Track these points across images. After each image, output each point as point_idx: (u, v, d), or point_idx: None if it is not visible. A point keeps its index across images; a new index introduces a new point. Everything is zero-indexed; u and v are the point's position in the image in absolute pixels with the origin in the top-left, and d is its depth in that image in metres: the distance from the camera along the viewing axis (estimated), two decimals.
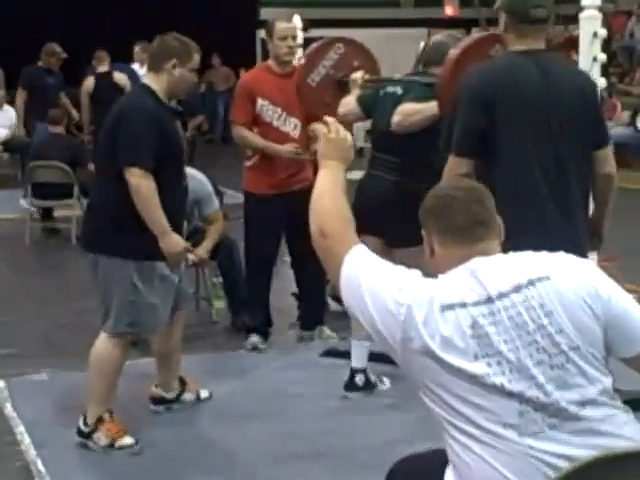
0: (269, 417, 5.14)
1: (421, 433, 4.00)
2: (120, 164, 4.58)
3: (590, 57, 5.53)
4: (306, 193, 5.65)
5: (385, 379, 5.49)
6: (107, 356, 4.74)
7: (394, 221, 4.96)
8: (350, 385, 5.38)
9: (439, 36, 5.23)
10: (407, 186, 4.98)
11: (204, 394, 5.36)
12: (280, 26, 6.13)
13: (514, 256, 2.66)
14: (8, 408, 5.28)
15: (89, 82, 12.03)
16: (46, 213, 10.58)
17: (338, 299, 5.94)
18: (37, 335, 6.68)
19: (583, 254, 3.73)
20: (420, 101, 4.86)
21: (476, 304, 2.51)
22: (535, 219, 3.86)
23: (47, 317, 7.10)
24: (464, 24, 20.28)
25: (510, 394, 2.46)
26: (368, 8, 20.05)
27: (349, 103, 5.35)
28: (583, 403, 2.47)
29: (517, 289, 2.53)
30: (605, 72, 5.69)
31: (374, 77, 5.60)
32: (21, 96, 12.24)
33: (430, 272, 2.66)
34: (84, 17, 18.88)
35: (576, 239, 3.90)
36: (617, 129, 14.10)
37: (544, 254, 2.67)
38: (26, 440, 4.85)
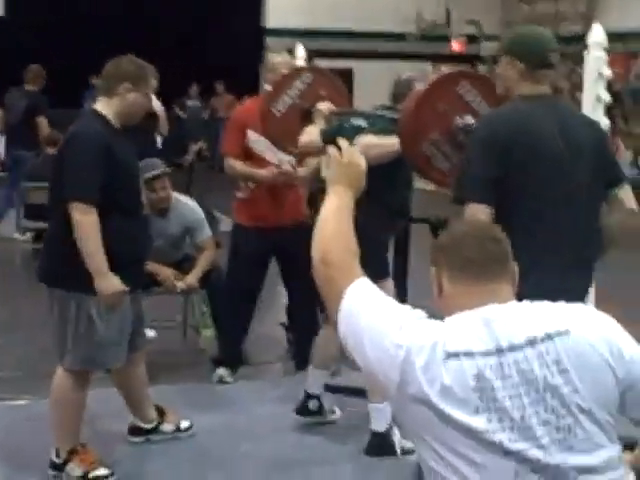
0: (248, 453, 5.02)
1: None
2: (64, 197, 4.40)
3: (593, 97, 5.45)
4: (299, 228, 5.69)
5: (336, 408, 5.45)
6: (66, 391, 4.62)
7: None
8: (302, 409, 5.33)
9: (409, 72, 5.12)
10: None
11: (184, 424, 5.23)
12: (271, 60, 6.08)
13: (531, 305, 2.46)
14: None
15: None
16: (38, 235, 10.47)
17: None
18: (21, 360, 6.56)
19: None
20: (382, 135, 4.68)
21: (484, 355, 2.32)
22: (551, 262, 3.72)
23: (32, 342, 6.96)
24: (468, 60, 20.32)
25: (508, 453, 2.28)
26: (373, 40, 20.05)
27: (311, 133, 5.18)
28: (584, 470, 2.31)
29: (532, 343, 2.34)
30: (609, 113, 5.59)
31: (340, 109, 5.47)
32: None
33: (439, 313, 2.48)
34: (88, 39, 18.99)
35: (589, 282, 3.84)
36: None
37: (563, 305, 2.48)
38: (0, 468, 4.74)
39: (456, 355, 2.31)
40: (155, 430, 5.13)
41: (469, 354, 2.31)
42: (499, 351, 2.32)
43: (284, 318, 6.72)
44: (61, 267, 4.48)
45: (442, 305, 2.51)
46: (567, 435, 2.30)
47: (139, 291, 4.83)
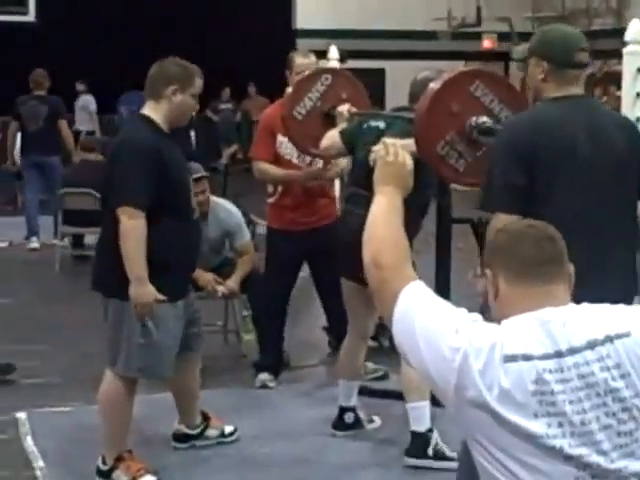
0: (293, 458, 5.02)
1: None
2: (113, 203, 4.39)
3: (633, 93, 5.41)
4: (330, 229, 5.67)
5: (375, 417, 5.40)
6: (116, 396, 4.61)
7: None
8: (338, 423, 5.29)
9: (426, 72, 5.01)
10: None
11: (228, 429, 5.23)
12: (298, 61, 6.04)
13: (590, 307, 2.43)
14: (28, 441, 5.19)
15: None
16: (76, 240, 10.52)
17: (373, 337, 5.81)
18: (64, 366, 6.60)
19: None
20: (401, 137, 4.60)
21: (543, 358, 2.28)
22: (588, 270, 3.65)
23: (75, 347, 7.02)
24: (501, 58, 20.19)
25: (568, 458, 2.25)
26: (405, 40, 19.98)
27: (332, 137, 5.17)
28: None
29: (592, 345, 2.29)
30: None
31: (360, 110, 5.43)
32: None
33: (492, 317, 2.44)
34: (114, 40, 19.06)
35: (630, 289, 3.71)
36: None
37: (622, 307, 2.45)
38: (45, 476, 4.75)
39: (514, 358, 2.28)
40: (200, 436, 5.13)
41: (528, 357, 2.28)
42: (558, 354, 2.29)
43: (325, 321, 6.69)
44: (114, 275, 4.41)
45: (498, 308, 2.47)
46: (628, 440, 2.26)
47: (191, 294, 4.83)
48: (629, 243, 3.80)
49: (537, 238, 2.46)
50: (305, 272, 6.40)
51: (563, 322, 2.34)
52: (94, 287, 4.66)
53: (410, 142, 4.45)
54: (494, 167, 3.70)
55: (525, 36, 18.82)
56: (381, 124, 4.96)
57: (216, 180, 10.21)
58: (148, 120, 4.54)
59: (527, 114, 3.87)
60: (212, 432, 5.16)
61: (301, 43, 19.82)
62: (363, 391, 5.45)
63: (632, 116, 5.39)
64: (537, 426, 2.25)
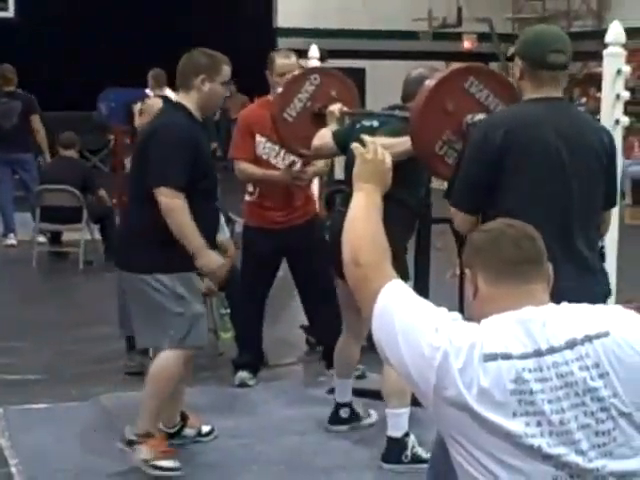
0: (271, 455, 5.01)
1: None
2: (150, 184, 4.52)
3: (613, 94, 5.42)
4: (308, 227, 5.68)
5: (372, 411, 5.41)
6: (169, 368, 4.65)
7: None
8: (334, 418, 5.31)
9: (419, 69, 4.97)
10: None
11: (205, 429, 5.21)
12: (279, 62, 6.00)
13: (570, 307, 2.44)
14: (5, 438, 5.15)
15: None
16: (54, 237, 10.47)
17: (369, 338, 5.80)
18: (41, 362, 6.56)
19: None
20: (394, 136, 4.58)
21: (522, 357, 2.28)
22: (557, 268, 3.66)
23: (52, 344, 6.98)
24: (481, 58, 20.22)
25: (547, 457, 2.25)
26: (385, 40, 19.98)
27: (323, 136, 5.15)
28: (623, 475, 2.27)
29: (571, 345, 2.30)
30: (624, 110, 5.56)
31: (352, 110, 5.41)
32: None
33: (472, 317, 2.45)
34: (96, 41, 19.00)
35: (593, 293, 3.63)
36: (636, 167, 13.98)
37: (602, 307, 2.48)
38: (20, 472, 4.72)
39: (494, 357, 2.28)
40: (177, 434, 5.11)
41: (507, 356, 2.28)
42: (538, 353, 2.29)
43: (303, 320, 6.68)
44: (148, 253, 4.56)
45: (477, 307, 2.48)
46: (606, 440, 2.27)
47: None
48: (594, 245, 3.83)
49: (516, 238, 2.48)
50: (283, 271, 6.39)
51: (543, 322, 2.34)
52: (123, 267, 4.77)
53: (404, 140, 4.46)
54: (463, 163, 3.75)
55: (505, 37, 18.97)
56: (374, 123, 4.94)
57: None
58: (183, 108, 4.70)
59: (500, 114, 3.90)
60: (189, 431, 5.15)
61: (281, 42, 19.79)
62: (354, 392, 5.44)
63: (611, 118, 5.42)
64: (516, 425, 2.25)
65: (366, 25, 20.12)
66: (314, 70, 5.90)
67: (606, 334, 2.32)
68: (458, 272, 4.88)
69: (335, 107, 5.34)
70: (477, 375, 2.27)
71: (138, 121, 11.51)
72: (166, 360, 4.65)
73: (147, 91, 12.30)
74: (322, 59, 7.77)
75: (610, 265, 4.84)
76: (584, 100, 16.17)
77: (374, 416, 5.41)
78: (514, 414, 2.25)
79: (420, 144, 4.24)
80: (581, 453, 2.26)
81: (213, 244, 4.80)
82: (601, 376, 2.28)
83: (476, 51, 20.28)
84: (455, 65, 4.36)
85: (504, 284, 2.44)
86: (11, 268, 10.06)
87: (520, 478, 2.26)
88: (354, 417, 5.34)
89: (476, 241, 2.55)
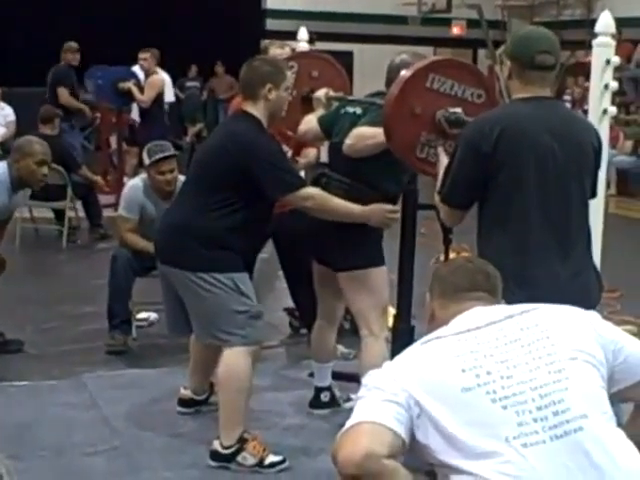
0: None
1: None
2: (276, 194, 4.58)
3: (602, 85, 5.42)
4: (296, 213, 5.68)
5: (353, 396, 5.39)
6: (240, 367, 4.56)
7: (338, 243, 4.82)
8: (315, 403, 5.36)
9: (402, 55, 4.90)
10: None
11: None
12: (272, 52, 6.00)
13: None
14: None
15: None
16: (58, 215, 10.31)
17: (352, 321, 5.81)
18: (22, 340, 6.50)
19: (593, 304, 3.56)
20: (375, 125, 4.58)
21: (459, 333, 2.55)
22: (540, 268, 3.66)
23: (30, 322, 6.96)
24: (470, 45, 20.22)
25: (503, 399, 2.42)
26: (374, 23, 19.94)
27: (309, 121, 5.18)
28: (581, 408, 2.43)
29: (509, 317, 2.58)
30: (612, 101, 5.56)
31: (337, 95, 5.38)
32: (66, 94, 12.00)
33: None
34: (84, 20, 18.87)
35: (585, 289, 3.72)
36: (620, 158, 14.02)
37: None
38: (1, 451, 4.68)
39: (429, 340, 2.56)
40: (205, 401, 5.28)
41: (441, 336, 2.56)
42: (477, 328, 2.55)
43: (287, 303, 6.68)
44: (207, 252, 4.52)
45: (433, 329, 2.70)
46: (559, 376, 2.44)
47: None
48: (587, 241, 3.84)
49: (472, 271, 2.79)
50: (266, 254, 6.38)
51: (480, 311, 2.65)
52: (175, 266, 4.63)
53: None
54: (454, 159, 3.78)
55: (494, 24, 18.96)
56: (358, 110, 4.93)
57: (181, 158, 10.16)
58: (254, 118, 4.66)
59: (493, 112, 3.92)
60: (215, 398, 5.09)
61: (270, 24, 19.77)
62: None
63: (599, 108, 5.42)
64: (467, 379, 2.43)
65: (355, 8, 20.09)
66: (289, 59, 5.81)
67: (541, 307, 2.63)
68: (442, 258, 4.89)
69: (321, 93, 5.33)
70: (419, 356, 2.55)
71: (140, 96, 11.56)
72: (232, 359, 4.58)
73: (134, 69, 12.26)
74: (311, 41, 7.76)
75: (595, 255, 4.85)
76: (568, 91, 16.21)
77: (355, 400, 5.41)
78: (463, 370, 2.45)
79: (401, 152, 4.31)
80: (536, 389, 2.43)
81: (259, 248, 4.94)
82: (543, 331, 2.53)
83: (465, 37, 20.29)
84: (415, 66, 4.35)
85: (455, 305, 2.73)
86: None
87: (485, 430, 2.38)
88: (333, 401, 5.38)
89: (437, 272, 2.86)
